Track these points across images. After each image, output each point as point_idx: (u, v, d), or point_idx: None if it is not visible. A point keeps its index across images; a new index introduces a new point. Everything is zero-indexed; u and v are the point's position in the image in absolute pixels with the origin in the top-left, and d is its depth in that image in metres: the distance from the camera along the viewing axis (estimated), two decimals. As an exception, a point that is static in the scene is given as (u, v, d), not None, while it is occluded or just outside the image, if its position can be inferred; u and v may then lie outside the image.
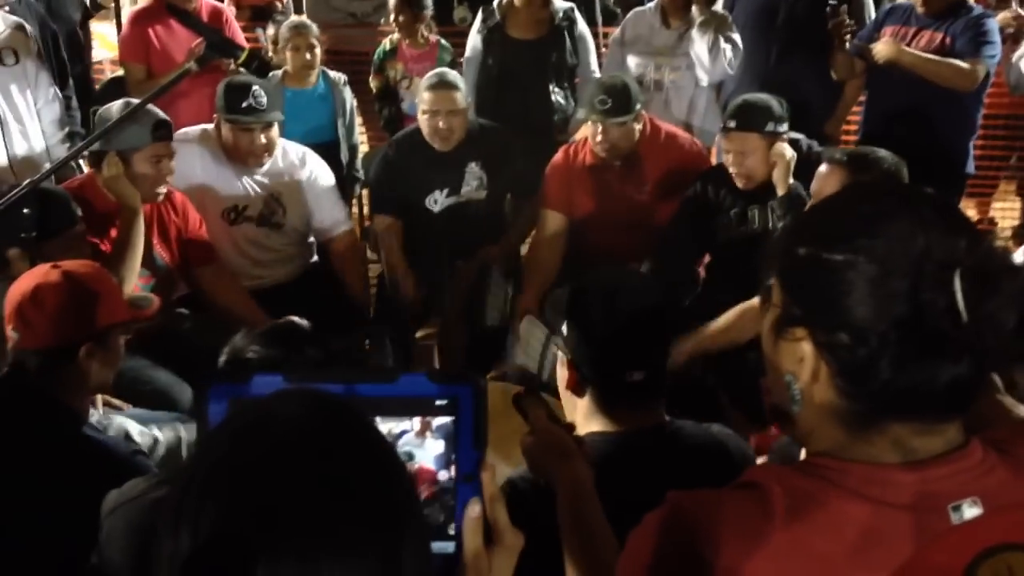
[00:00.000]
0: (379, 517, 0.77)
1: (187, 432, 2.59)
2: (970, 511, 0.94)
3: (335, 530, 0.75)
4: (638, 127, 3.58)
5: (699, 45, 3.95)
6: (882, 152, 2.83)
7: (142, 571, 1.53)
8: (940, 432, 0.97)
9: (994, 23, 3.88)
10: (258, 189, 3.52)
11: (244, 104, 3.33)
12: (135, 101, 3.07)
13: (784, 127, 3.28)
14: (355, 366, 2.30)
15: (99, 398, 2.55)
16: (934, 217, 0.94)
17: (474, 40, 4.30)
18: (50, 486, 1.89)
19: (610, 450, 1.65)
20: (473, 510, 0.92)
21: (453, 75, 3.73)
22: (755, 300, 2.84)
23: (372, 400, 0.88)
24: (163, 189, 3.13)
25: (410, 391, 0.93)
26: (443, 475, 0.95)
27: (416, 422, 0.93)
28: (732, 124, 3.28)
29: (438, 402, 0.94)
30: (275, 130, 3.46)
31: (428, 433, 0.94)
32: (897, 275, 0.91)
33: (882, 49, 3.81)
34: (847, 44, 3.94)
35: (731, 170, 3.32)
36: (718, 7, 4.26)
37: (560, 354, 1.79)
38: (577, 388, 1.74)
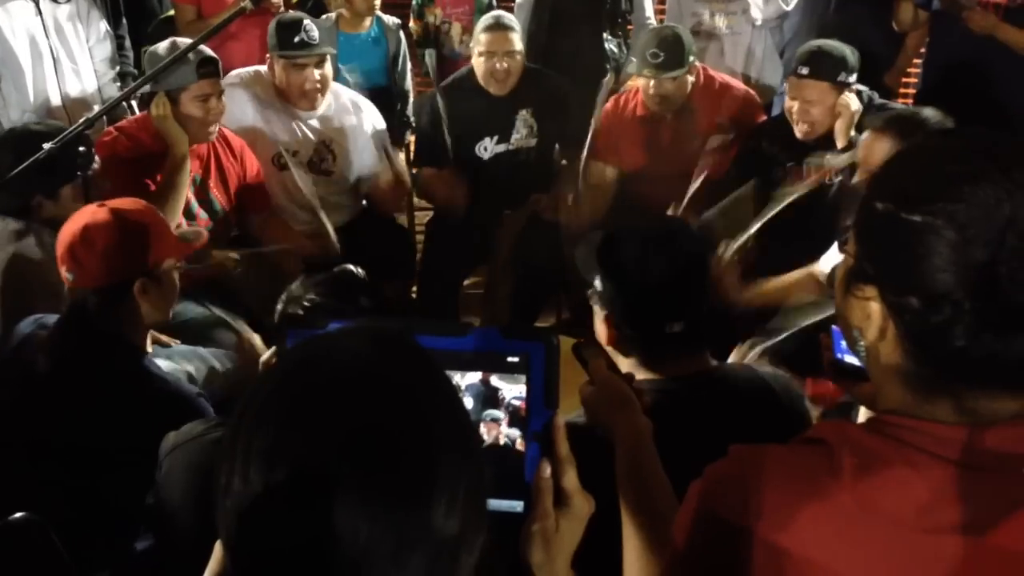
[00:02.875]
0: (429, 454, 0.76)
1: (220, 363, 2.62)
2: None
3: (386, 464, 0.74)
4: (691, 79, 3.52)
5: None
6: (927, 111, 2.75)
7: (201, 510, 1.55)
8: (1015, 399, 0.94)
9: None
10: (310, 135, 3.51)
11: (296, 39, 3.32)
12: (181, 40, 3.07)
13: (853, 77, 3.20)
14: (425, 319, 2.32)
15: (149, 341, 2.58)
16: None
17: (527, -16, 4.23)
18: (115, 421, 1.92)
19: (655, 398, 1.63)
20: (544, 471, 0.91)
21: (508, 17, 3.68)
22: (818, 266, 2.82)
23: (442, 353, 0.86)
24: (214, 128, 3.13)
25: (482, 346, 0.93)
26: (512, 432, 0.93)
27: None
28: (804, 71, 3.17)
29: (510, 359, 0.93)
30: (328, 67, 3.44)
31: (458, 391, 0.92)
32: (977, 243, 0.88)
33: (979, 20, 3.63)
34: None
35: (793, 118, 3.24)
36: None
37: (596, 309, 1.75)
38: (617, 345, 1.71)
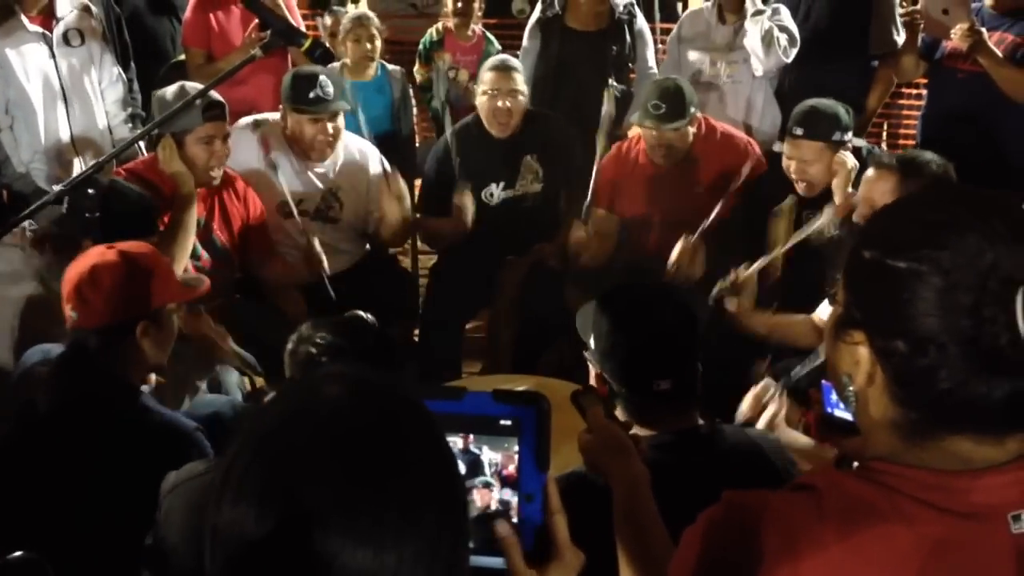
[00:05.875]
0: (408, 502, 0.78)
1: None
2: None
3: (371, 507, 0.76)
4: (692, 129, 3.56)
5: (752, 35, 3.90)
6: (928, 155, 2.83)
7: (200, 550, 1.56)
8: (999, 444, 0.96)
9: None
10: (317, 183, 3.55)
11: (312, 94, 3.36)
12: (190, 84, 3.11)
13: (849, 135, 3.24)
14: (422, 382, 2.38)
15: (153, 378, 2.59)
16: (1004, 229, 0.92)
17: (532, 31, 4.27)
18: (112, 460, 1.93)
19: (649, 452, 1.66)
20: (502, 529, 0.93)
21: (512, 59, 3.78)
22: (818, 314, 2.84)
23: (436, 417, 0.89)
24: (217, 172, 3.17)
25: (475, 410, 0.96)
26: (504, 494, 0.97)
27: None
28: (799, 131, 3.23)
29: (502, 422, 0.96)
30: (341, 121, 3.49)
31: None
32: (961, 289, 0.91)
33: (966, 35, 3.56)
34: (918, 41, 3.86)
35: (792, 176, 3.28)
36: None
37: (591, 367, 1.83)
38: (608, 401, 1.75)
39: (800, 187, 3.28)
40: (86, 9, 3.67)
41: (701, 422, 1.79)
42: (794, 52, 3.92)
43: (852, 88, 4.05)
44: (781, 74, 4.00)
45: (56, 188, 2.53)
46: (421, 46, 4.65)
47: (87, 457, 1.94)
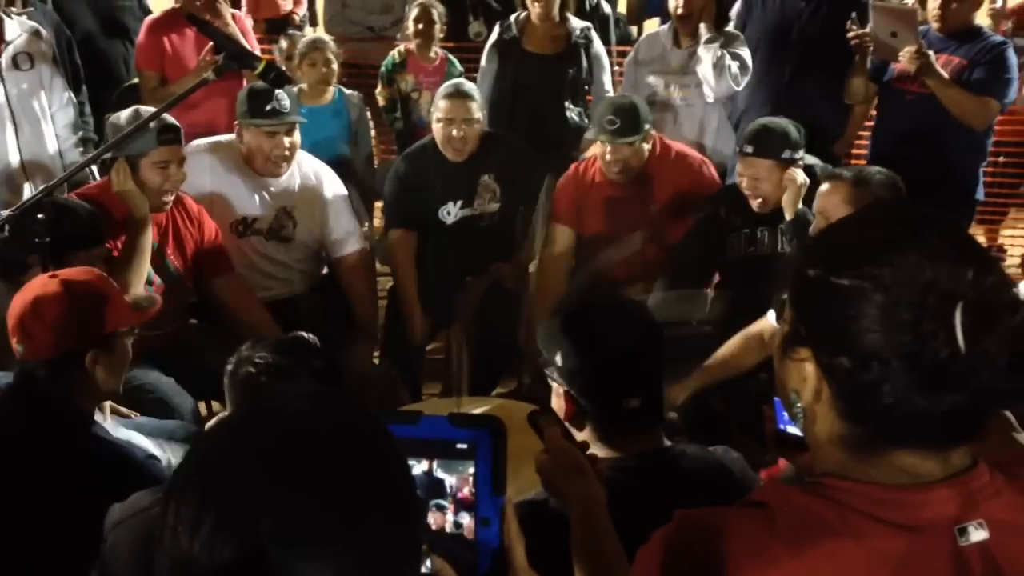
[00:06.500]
0: (352, 514, 0.77)
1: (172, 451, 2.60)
2: (976, 534, 0.95)
3: (305, 525, 0.75)
4: (647, 147, 3.60)
5: (704, 62, 3.95)
6: (874, 168, 2.91)
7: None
8: (943, 457, 0.98)
9: (1012, 55, 3.81)
10: (270, 201, 3.52)
11: (268, 107, 3.36)
12: (144, 108, 3.09)
13: (800, 153, 3.29)
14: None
15: (107, 406, 2.55)
16: (943, 247, 0.94)
17: (489, 54, 4.30)
18: (64, 489, 1.90)
19: (610, 474, 1.64)
20: (436, 562, 0.93)
21: (469, 85, 3.76)
22: (756, 326, 2.88)
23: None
24: (170, 197, 3.13)
25: (431, 433, 0.97)
26: (460, 518, 0.96)
27: None
28: (749, 149, 3.28)
29: (458, 445, 0.97)
30: (297, 136, 3.48)
31: None
32: (902, 305, 0.92)
33: (914, 57, 3.66)
34: (867, 63, 3.93)
35: (745, 192, 3.33)
36: (730, 27, 4.21)
37: (555, 386, 1.79)
38: (575, 420, 1.74)
39: (754, 203, 3.33)
40: (36, 33, 3.64)
41: (668, 443, 1.77)
42: (746, 80, 3.96)
43: (839, 108, 4.14)
44: (772, 89, 4.04)
45: (5, 213, 2.49)
46: (384, 67, 4.65)
47: (36, 487, 1.90)
